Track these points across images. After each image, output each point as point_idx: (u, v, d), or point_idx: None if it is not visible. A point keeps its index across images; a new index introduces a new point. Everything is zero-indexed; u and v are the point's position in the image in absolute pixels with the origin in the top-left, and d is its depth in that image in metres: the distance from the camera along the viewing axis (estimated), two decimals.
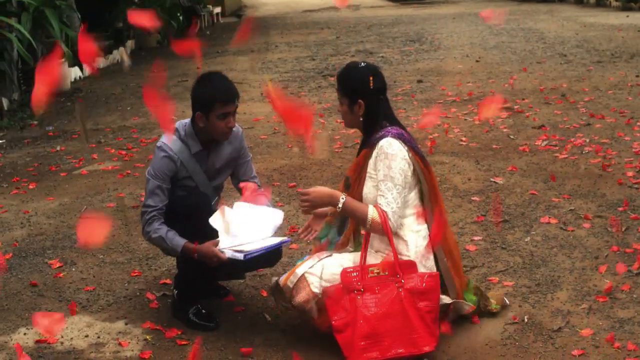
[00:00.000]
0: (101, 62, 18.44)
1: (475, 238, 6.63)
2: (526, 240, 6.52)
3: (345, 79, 4.91)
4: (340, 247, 5.14)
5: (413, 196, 4.83)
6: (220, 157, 5.44)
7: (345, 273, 4.71)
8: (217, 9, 28.75)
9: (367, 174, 4.79)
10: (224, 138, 5.30)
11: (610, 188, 7.74)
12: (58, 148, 10.64)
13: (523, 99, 12.05)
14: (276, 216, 5.25)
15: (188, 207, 5.16)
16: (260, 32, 24.47)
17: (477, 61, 16.09)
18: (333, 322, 4.67)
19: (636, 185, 7.77)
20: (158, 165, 5.20)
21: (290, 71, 16.26)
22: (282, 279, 4.88)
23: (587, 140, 9.46)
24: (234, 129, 5.38)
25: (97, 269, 6.44)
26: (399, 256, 4.71)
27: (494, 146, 9.43)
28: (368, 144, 4.85)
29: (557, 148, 9.21)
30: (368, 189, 4.78)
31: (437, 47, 18.80)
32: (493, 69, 15.08)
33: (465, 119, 10.94)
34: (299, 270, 4.83)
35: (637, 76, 13.47)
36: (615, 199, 7.41)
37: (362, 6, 33.40)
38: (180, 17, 23.04)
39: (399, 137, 4.76)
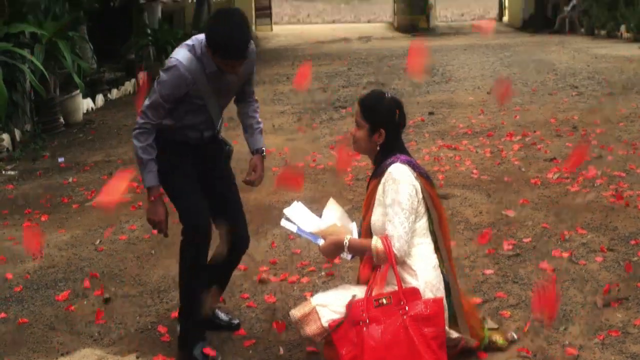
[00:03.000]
0: (114, 94, 18.51)
1: (487, 272, 6.61)
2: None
3: (372, 105, 4.91)
4: (362, 281, 5.14)
5: (422, 224, 4.83)
6: (236, 76, 5.33)
7: (350, 306, 4.70)
8: None
9: (376, 201, 4.80)
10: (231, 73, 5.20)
11: (623, 221, 7.72)
12: (70, 180, 10.67)
13: (534, 131, 12.05)
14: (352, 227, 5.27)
15: (186, 124, 5.29)
16: (272, 63, 24.54)
17: (488, 93, 16.10)
18: (341, 357, 4.65)
19: None
20: (169, 85, 5.09)
21: (302, 103, 16.29)
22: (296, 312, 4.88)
23: (599, 172, 9.43)
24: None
25: (108, 302, 6.44)
26: (408, 286, 4.71)
27: (505, 179, 9.42)
28: (377, 173, 4.86)
29: (568, 181, 9.20)
30: (376, 216, 4.78)
31: (448, 79, 18.82)
32: (504, 100, 15.07)
33: (477, 152, 10.94)
34: (312, 300, 4.84)
35: None
36: (627, 232, 7.39)
37: (373, 38, 33.49)
38: None
39: (407, 163, 4.77)
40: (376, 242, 4.64)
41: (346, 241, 4.78)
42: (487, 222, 7.92)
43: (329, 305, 4.75)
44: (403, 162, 4.77)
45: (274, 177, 10.12)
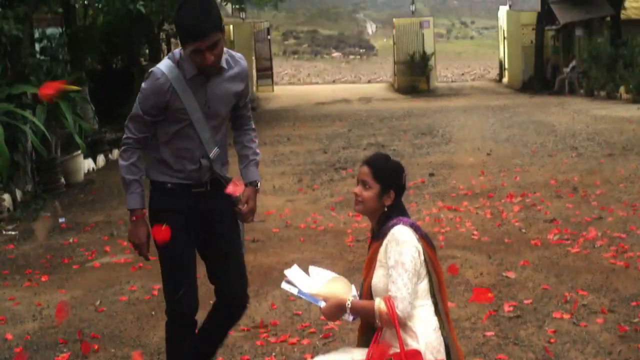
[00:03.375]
0: (115, 154, 18.56)
1: (488, 334, 6.59)
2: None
3: (383, 167, 4.91)
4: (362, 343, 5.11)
5: (423, 287, 4.82)
6: (222, 87, 5.05)
7: None
8: None
9: (377, 263, 4.79)
10: (208, 72, 4.87)
11: (623, 282, 7.72)
12: (71, 240, 10.67)
13: (534, 193, 12.08)
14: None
15: (179, 150, 5.00)
16: (273, 124, 24.65)
17: (488, 154, 16.17)
18: None
19: None
20: (147, 92, 4.91)
21: (302, 164, 16.35)
22: None
23: (599, 234, 9.44)
24: (238, 56, 5.12)
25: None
26: (409, 348, 4.69)
27: (506, 240, 9.43)
28: (380, 235, 4.86)
29: (569, 242, 9.20)
30: (377, 278, 4.77)
31: (448, 140, 18.91)
32: (504, 162, 15.15)
33: (477, 213, 10.96)
34: None
35: None
36: (628, 294, 7.38)
37: (374, 99, 33.67)
38: None
39: (410, 225, 4.78)
40: (379, 304, 4.63)
41: (348, 303, 4.76)
42: (487, 283, 7.91)
43: None
44: (406, 224, 4.77)
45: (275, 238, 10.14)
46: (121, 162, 5.00)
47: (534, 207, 11.15)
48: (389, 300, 4.59)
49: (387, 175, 4.85)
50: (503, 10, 41.63)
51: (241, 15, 33.06)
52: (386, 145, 18.34)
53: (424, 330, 4.74)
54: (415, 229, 4.80)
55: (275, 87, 40.89)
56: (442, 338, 4.85)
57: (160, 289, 7.76)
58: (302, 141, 20.27)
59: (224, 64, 4.94)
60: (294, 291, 5.02)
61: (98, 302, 7.95)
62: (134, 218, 5.02)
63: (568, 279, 7.92)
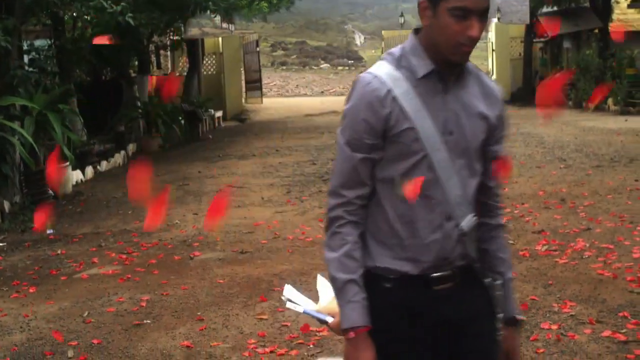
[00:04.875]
0: (103, 166, 18.54)
1: None
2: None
3: None
4: None
5: None
6: (466, 101, 3.13)
7: None
8: (219, 113, 29.02)
9: None
10: (457, 56, 3.00)
11: (611, 293, 7.72)
12: (59, 251, 10.64)
13: (522, 204, 12.08)
14: None
15: (411, 212, 3.09)
16: (262, 136, 24.65)
17: None
18: None
19: (637, 290, 7.74)
20: (352, 113, 3.07)
21: (291, 175, 16.34)
22: None
23: (587, 245, 9.44)
24: (487, 81, 3.23)
25: None
26: None
27: None
28: None
29: (557, 253, 9.21)
30: None
31: None
32: None
33: None
34: None
35: (636, 180, 13.50)
36: (615, 305, 7.38)
37: None
38: (182, 121, 23.28)
39: None
40: None
41: None
42: None
43: None
44: None
45: (263, 249, 10.12)
46: (328, 255, 3.24)
47: (522, 218, 11.15)
48: None
49: None
50: (491, 23, 41.72)
51: (230, 27, 33.06)
52: None
53: None
54: None
55: (264, 99, 40.87)
56: None
57: (149, 300, 7.77)
58: (291, 153, 20.26)
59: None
60: (300, 309, 4.97)
61: (86, 314, 7.93)
62: (352, 335, 3.11)
63: (556, 289, 7.92)
